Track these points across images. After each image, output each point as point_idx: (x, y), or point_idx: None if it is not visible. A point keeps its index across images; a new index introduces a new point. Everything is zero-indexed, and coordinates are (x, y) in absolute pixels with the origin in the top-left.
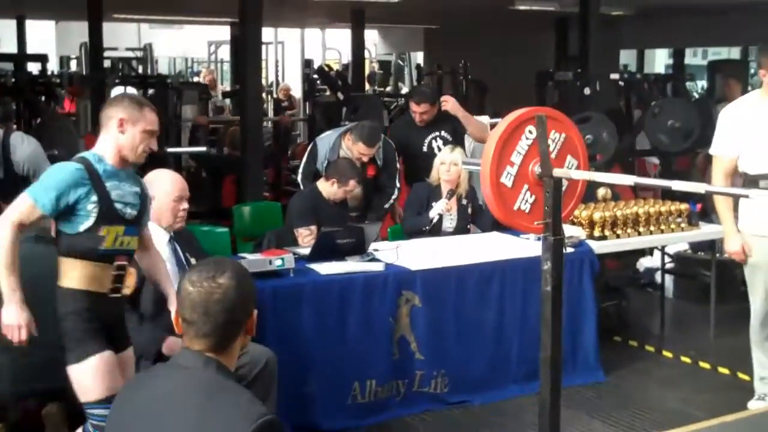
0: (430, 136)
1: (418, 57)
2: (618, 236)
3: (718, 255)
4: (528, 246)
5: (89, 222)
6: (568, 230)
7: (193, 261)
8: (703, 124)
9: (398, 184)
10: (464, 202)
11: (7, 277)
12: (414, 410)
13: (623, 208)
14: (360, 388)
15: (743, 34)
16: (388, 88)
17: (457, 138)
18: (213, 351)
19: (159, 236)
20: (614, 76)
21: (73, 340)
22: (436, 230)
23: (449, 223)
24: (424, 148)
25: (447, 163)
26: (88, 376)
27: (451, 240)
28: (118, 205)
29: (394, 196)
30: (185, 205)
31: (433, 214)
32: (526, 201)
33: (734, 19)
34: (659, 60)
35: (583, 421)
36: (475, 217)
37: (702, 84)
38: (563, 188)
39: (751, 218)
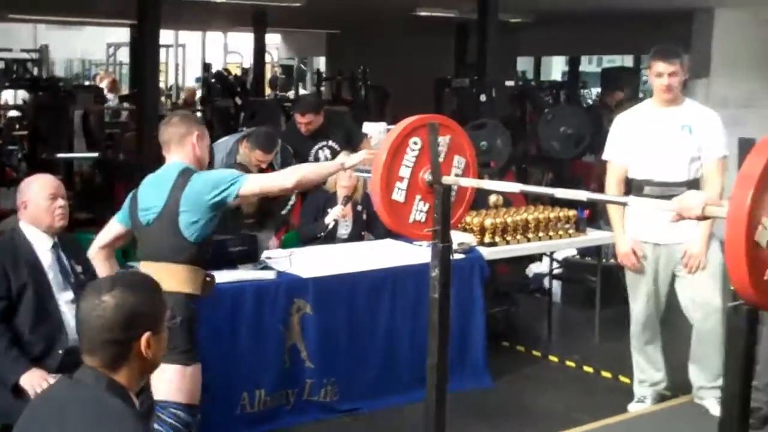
0: (316, 146)
1: (321, 62)
2: (508, 242)
3: (603, 260)
4: (420, 252)
5: (212, 229)
6: (459, 237)
7: (79, 269)
8: (595, 131)
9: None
10: (359, 208)
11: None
12: (304, 419)
13: (514, 214)
14: (249, 398)
15: (636, 43)
16: (291, 93)
17: (350, 145)
18: (104, 368)
19: (42, 243)
20: (510, 83)
21: (188, 342)
22: (331, 237)
23: (344, 230)
24: (311, 158)
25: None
26: (192, 381)
27: (345, 247)
28: None
29: (291, 203)
30: (61, 203)
31: (329, 220)
32: (420, 211)
33: (628, 28)
34: (557, 67)
35: (470, 426)
36: (369, 223)
37: (596, 91)
38: (453, 195)
39: (636, 224)
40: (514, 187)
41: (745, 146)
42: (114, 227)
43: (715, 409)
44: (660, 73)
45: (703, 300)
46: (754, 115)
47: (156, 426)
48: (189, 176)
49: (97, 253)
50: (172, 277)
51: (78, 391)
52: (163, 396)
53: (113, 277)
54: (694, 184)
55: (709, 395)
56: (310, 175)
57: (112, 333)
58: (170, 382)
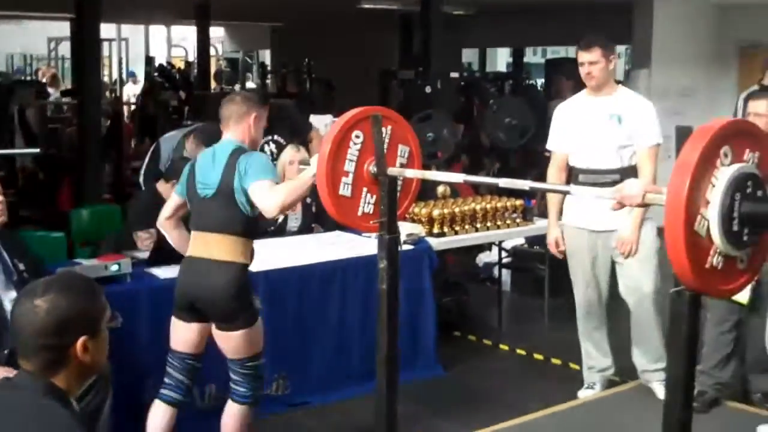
0: (262, 141)
1: (267, 55)
2: (456, 233)
3: None
4: (370, 244)
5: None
6: (408, 228)
7: (21, 266)
8: (539, 122)
9: None
10: (308, 201)
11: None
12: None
13: (461, 205)
14: (199, 394)
15: (579, 34)
16: (236, 86)
17: (296, 138)
18: (41, 372)
19: None
20: (455, 74)
21: (251, 304)
22: (280, 230)
23: (294, 223)
24: None
25: (294, 163)
26: (256, 336)
27: (294, 240)
28: None
29: None
30: None
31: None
32: (368, 203)
33: (571, 19)
34: (502, 59)
35: (422, 416)
36: (319, 215)
37: (541, 82)
38: (398, 186)
39: (574, 211)
40: (458, 177)
41: (682, 134)
42: (174, 199)
43: (661, 392)
44: (581, 62)
45: (634, 285)
46: (694, 104)
47: (234, 377)
48: (239, 155)
49: (164, 224)
50: (228, 248)
51: (15, 395)
52: (232, 355)
53: (48, 280)
54: (626, 171)
55: (653, 378)
56: (290, 198)
57: (45, 338)
58: (238, 345)
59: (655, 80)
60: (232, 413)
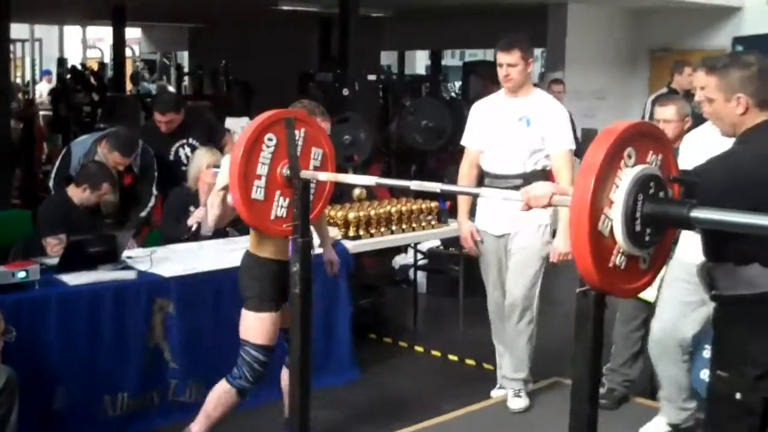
0: (176, 144)
1: (185, 56)
2: (372, 235)
3: (465, 250)
4: None
5: None
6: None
7: None
8: (455, 124)
9: (155, 192)
10: None
11: None
12: (169, 421)
13: (377, 207)
14: (111, 402)
15: (497, 37)
16: (153, 88)
17: (211, 141)
18: None
19: None
20: (372, 77)
21: (256, 295)
22: (194, 236)
23: (208, 229)
24: (171, 157)
25: (211, 166)
26: (257, 326)
27: (208, 245)
28: None
29: (150, 204)
30: None
31: (192, 222)
32: (281, 206)
33: (488, 22)
34: (421, 61)
35: (338, 420)
36: (234, 219)
37: (459, 84)
38: (312, 189)
39: (481, 214)
40: (370, 180)
41: (588, 136)
42: None
43: (513, 403)
44: (500, 63)
45: (510, 288)
46: (606, 106)
47: (238, 362)
48: None
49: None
50: (251, 241)
51: None
52: (241, 335)
53: None
54: (531, 176)
55: (509, 386)
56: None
57: None
58: (243, 323)
59: (568, 83)
60: (217, 384)
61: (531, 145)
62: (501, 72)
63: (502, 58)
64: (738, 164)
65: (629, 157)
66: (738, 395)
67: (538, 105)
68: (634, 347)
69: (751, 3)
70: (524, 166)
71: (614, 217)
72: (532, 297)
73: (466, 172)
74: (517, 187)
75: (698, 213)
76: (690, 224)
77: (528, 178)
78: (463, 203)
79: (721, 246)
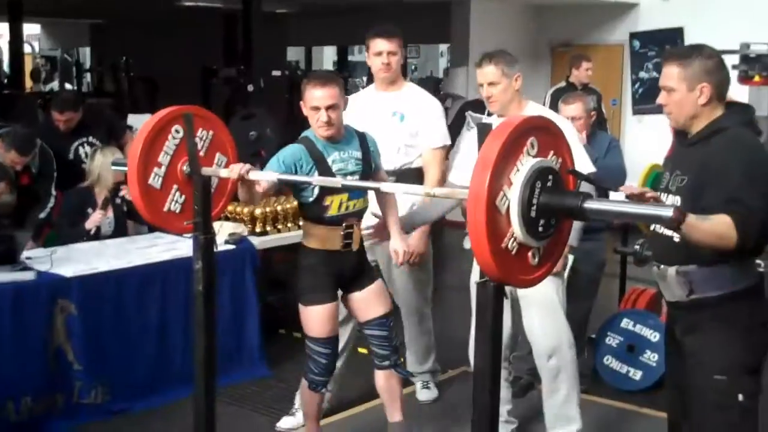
0: (76, 143)
1: (87, 53)
2: (279, 231)
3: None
4: (190, 245)
5: (315, 194)
6: (230, 227)
7: None
8: None
9: (54, 192)
10: (118, 201)
11: None
12: (75, 423)
13: (284, 203)
14: (14, 407)
15: (402, 33)
16: (55, 85)
17: (112, 139)
18: None
19: None
20: (276, 72)
21: (307, 288)
22: (95, 235)
23: (108, 228)
24: (71, 156)
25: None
26: (311, 319)
27: (112, 243)
28: (338, 177)
29: (49, 205)
30: None
31: (90, 226)
32: (176, 202)
33: (393, 18)
34: (328, 56)
35: (246, 416)
36: (131, 212)
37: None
38: (213, 186)
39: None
40: (271, 176)
41: (483, 131)
42: None
43: (422, 394)
44: (380, 51)
45: (399, 294)
46: None
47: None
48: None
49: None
50: (302, 233)
51: None
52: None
53: None
54: (403, 174)
55: (418, 379)
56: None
57: None
58: (301, 317)
59: (473, 78)
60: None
61: (403, 141)
62: (379, 60)
63: (382, 45)
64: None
65: (532, 146)
66: (740, 397)
67: (413, 100)
68: None
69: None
70: (396, 162)
71: (511, 200)
72: (425, 299)
73: None
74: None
75: (591, 204)
76: (583, 215)
77: (399, 176)
78: None
79: (699, 247)
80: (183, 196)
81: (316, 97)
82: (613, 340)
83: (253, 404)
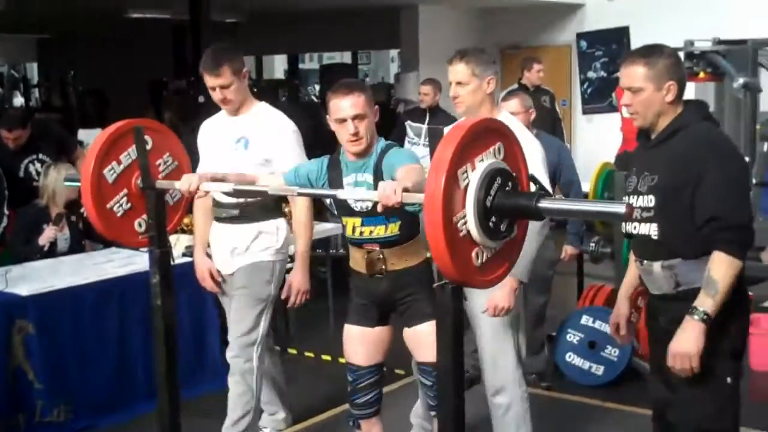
0: (26, 160)
1: (35, 68)
2: None
3: (333, 251)
4: (146, 259)
5: (336, 211)
6: (187, 239)
7: None
8: (315, 127)
9: (6, 212)
10: (73, 218)
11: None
12: None
13: None
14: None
15: (352, 39)
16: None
17: (63, 154)
18: None
19: None
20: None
21: (349, 308)
22: (50, 253)
23: (64, 244)
24: (21, 173)
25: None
26: (345, 340)
27: (68, 260)
28: (349, 201)
29: (2, 224)
30: None
31: (43, 241)
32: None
33: (344, 25)
34: (279, 65)
35: (209, 428)
36: (88, 229)
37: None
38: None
39: (214, 250)
40: (227, 186)
41: (435, 134)
42: None
43: None
44: (212, 87)
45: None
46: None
47: None
48: None
49: None
50: None
51: None
52: None
53: None
54: (251, 205)
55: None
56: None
57: None
58: None
59: None
60: None
61: (252, 168)
62: (215, 95)
63: (211, 81)
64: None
65: (487, 149)
66: (728, 380)
67: (260, 123)
68: None
69: (592, 0)
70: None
71: (468, 211)
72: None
73: (201, 200)
74: (233, 218)
75: (545, 203)
76: (539, 214)
77: (244, 208)
78: (198, 232)
79: (689, 240)
80: (137, 211)
81: (341, 108)
82: (573, 336)
83: (215, 415)
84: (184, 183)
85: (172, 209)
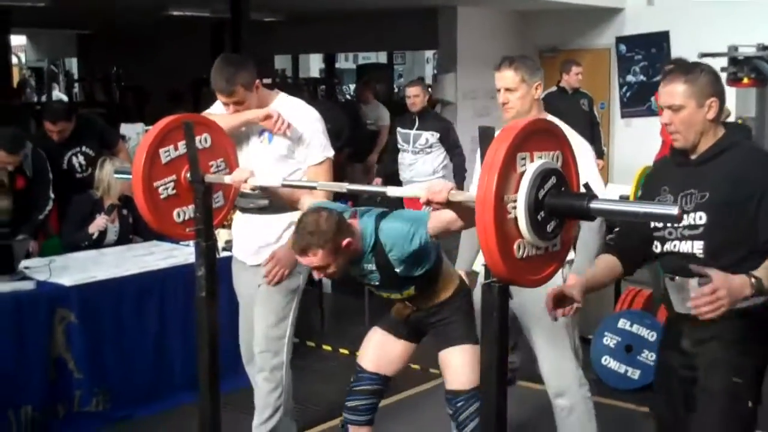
0: (69, 153)
1: (74, 63)
2: None
3: None
4: (188, 252)
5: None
6: (226, 234)
7: None
8: (352, 125)
9: (52, 195)
10: (125, 212)
11: None
12: (76, 431)
13: None
14: (15, 417)
15: (389, 40)
16: (43, 97)
17: (105, 148)
18: None
19: None
20: (267, 80)
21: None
22: (98, 242)
23: (113, 235)
24: (64, 165)
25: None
26: (365, 339)
27: (110, 252)
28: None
29: (48, 208)
30: None
31: (93, 230)
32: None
33: (380, 25)
34: (315, 65)
35: (246, 422)
36: (136, 226)
37: (354, 87)
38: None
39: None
40: (276, 181)
41: (485, 134)
42: None
43: None
44: (225, 103)
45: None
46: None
47: None
48: None
49: None
50: None
51: None
52: None
53: None
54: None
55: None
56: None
57: None
58: None
59: (462, 83)
60: None
61: (274, 161)
62: (229, 110)
63: (225, 99)
64: None
65: (537, 149)
66: (750, 404)
67: (285, 115)
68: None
69: (632, 4)
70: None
71: (518, 209)
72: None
73: None
74: (262, 209)
75: (596, 204)
76: (589, 215)
77: (273, 199)
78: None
79: (738, 260)
80: (180, 199)
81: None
82: (610, 340)
83: (253, 409)
84: (236, 176)
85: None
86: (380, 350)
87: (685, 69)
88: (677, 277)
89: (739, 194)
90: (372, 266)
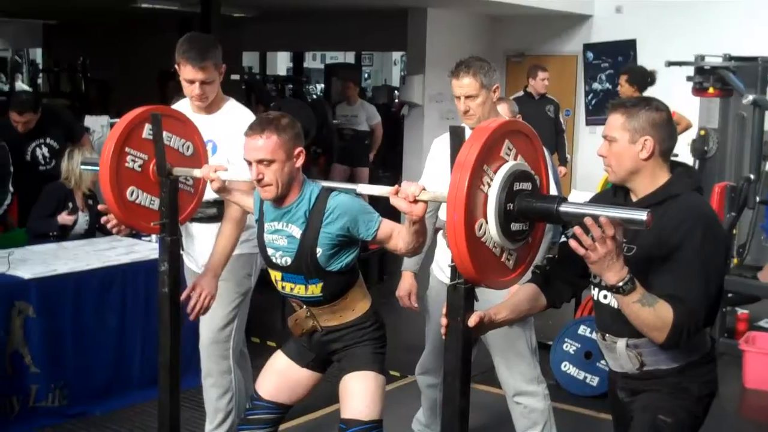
0: (33, 144)
1: (39, 53)
2: None
3: None
4: (151, 247)
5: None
6: None
7: None
8: (320, 124)
9: (11, 189)
10: (90, 202)
11: None
12: (30, 426)
13: None
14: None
15: (357, 40)
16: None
17: (70, 141)
18: None
19: None
20: (235, 76)
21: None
22: (66, 232)
23: (84, 224)
24: (27, 157)
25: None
26: (266, 365)
27: (71, 246)
28: (269, 249)
29: (6, 202)
30: None
31: (63, 221)
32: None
33: (349, 25)
34: (282, 63)
35: (204, 420)
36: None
37: (321, 86)
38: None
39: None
40: (244, 176)
41: (455, 133)
42: None
43: None
44: (191, 79)
45: None
46: None
47: None
48: None
49: None
50: None
51: None
52: None
53: None
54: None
55: None
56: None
57: None
58: None
59: (429, 85)
60: None
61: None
62: (191, 89)
63: (193, 74)
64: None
65: (509, 149)
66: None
67: (229, 124)
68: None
69: (600, 11)
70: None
71: (489, 212)
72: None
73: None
74: (212, 218)
75: (566, 207)
76: (559, 218)
77: (221, 208)
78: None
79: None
80: (153, 197)
81: (246, 149)
82: (570, 346)
83: None
84: (205, 170)
85: (187, 198)
86: (282, 378)
87: (629, 102)
88: (607, 336)
89: (662, 252)
90: (296, 230)
